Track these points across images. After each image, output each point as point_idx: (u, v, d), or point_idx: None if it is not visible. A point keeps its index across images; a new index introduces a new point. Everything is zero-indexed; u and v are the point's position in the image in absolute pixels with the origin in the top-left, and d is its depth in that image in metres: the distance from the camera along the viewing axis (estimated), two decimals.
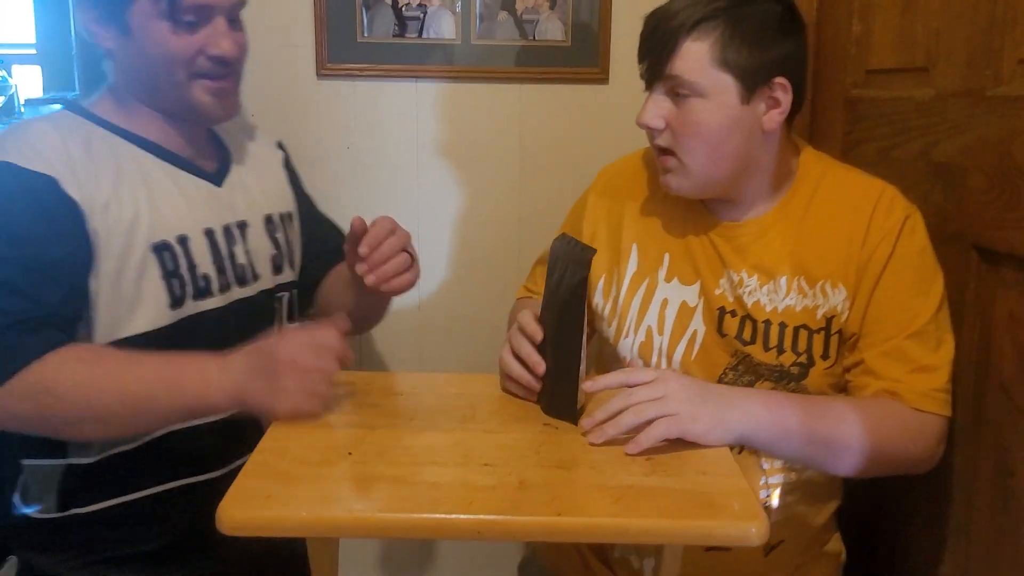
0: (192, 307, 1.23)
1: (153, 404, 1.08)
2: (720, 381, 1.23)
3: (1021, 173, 1.06)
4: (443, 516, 0.84)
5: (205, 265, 1.25)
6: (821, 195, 1.21)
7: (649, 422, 1.00)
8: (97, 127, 1.23)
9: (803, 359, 1.18)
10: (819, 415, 1.09)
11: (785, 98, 1.14)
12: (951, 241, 1.20)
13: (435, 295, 1.88)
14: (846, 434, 1.08)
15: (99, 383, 1.06)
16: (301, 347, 1.06)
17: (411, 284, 1.25)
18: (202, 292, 1.25)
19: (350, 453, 0.96)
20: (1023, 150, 1.06)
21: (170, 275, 1.21)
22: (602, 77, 1.79)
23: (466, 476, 0.91)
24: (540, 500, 0.86)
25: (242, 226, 1.33)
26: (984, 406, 1.15)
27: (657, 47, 1.13)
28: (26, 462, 1.24)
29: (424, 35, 1.76)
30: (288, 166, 1.52)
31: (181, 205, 1.24)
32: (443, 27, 1.76)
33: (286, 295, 1.42)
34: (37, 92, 5.01)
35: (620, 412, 1.01)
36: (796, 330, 1.18)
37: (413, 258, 1.26)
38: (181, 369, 1.09)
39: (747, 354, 1.21)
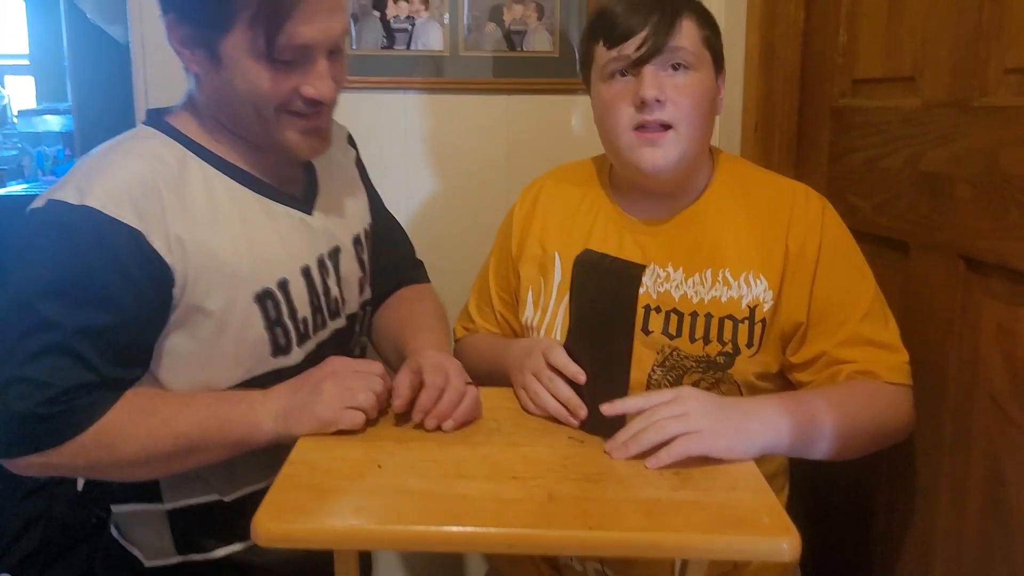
0: (298, 353, 1.18)
1: (206, 442, 1.05)
2: (648, 380, 1.25)
3: (1008, 183, 1.06)
4: (476, 529, 0.84)
5: (304, 308, 1.18)
6: (740, 191, 1.27)
7: (671, 439, 0.99)
8: (189, 152, 1.13)
9: (728, 348, 1.22)
10: (819, 409, 1.10)
11: (723, 81, 1.27)
12: (938, 251, 1.20)
13: None
14: (842, 421, 1.10)
15: (154, 432, 1.03)
16: (344, 364, 1.09)
17: (474, 411, 1.11)
18: (303, 337, 1.18)
19: (379, 466, 0.96)
20: (1010, 160, 1.06)
21: (273, 324, 1.14)
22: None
23: (496, 489, 0.91)
24: (570, 513, 0.86)
25: (335, 254, 1.25)
26: (973, 416, 1.15)
27: (659, 23, 1.17)
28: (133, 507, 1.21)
29: (412, 47, 1.76)
30: (359, 164, 1.43)
31: (278, 244, 1.16)
32: (431, 39, 1.76)
33: (363, 315, 1.36)
34: (30, 103, 5.02)
35: (641, 431, 1.00)
36: (721, 320, 1.22)
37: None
38: (231, 404, 1.07)
39: (674, 348, 1.24)
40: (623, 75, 1.20)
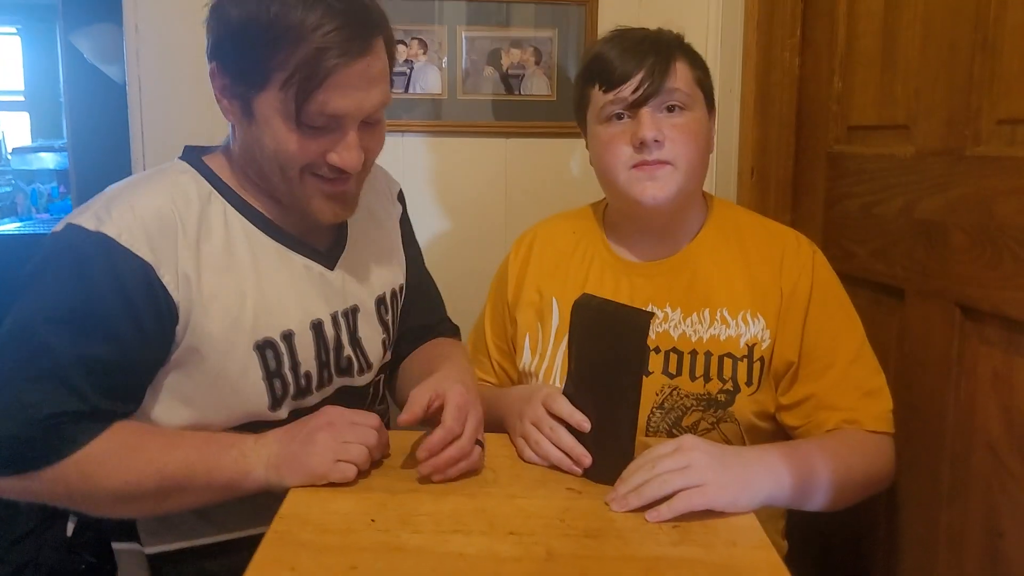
0: (291, 404, 1.16)
1: (192, 484, 1.03)
2: (648, 422, 1.25)
3: (1002, 232, 1.07)
4: None
5: (308, 362, 1.16)
6: (734, 234, 1.31)
7: (673, 493, 0.98)
8: (216, 192, 1.13)
9: (729, 386, 1.24)
10: (816, 459, 1.10)
11: (715, 119, 1.30)
12: (934, 298, 1.21)
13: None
14: (837, 472, 1.11)
15: (138, 468, 1.01)
16: (340, 414, 1.06)
17: (472, 469, 1.08)
18: (302, 392, 1.16)
19: (373, 520, 0.94)
20: (1004, 210, 1.07)
21: (272, 375, 1.13)
22: None
23: (492, 546, 0.89)
24: (569, 573, 0.85)
25: (353, 312, 1.23)
26: (971, 466, 1.15)
27: (654, 66, 1.20)
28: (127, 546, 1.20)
29: (411, 90, 1.78)
30: (404, 221, 1.42)
31: (290, 295, 1.15)
32: (430, 82, 1.78)
33: (382, 378, 1.34)
34: (25, 139, 5.03)
35: (643, 484, 0.99)
36: (721, 358, 1.24)
37: (481, 444, 1.10)
38: (221, 447, 1.04)
39: (674, 387, 1.25)
40: (620, 117, 1.23)
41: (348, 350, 1.22)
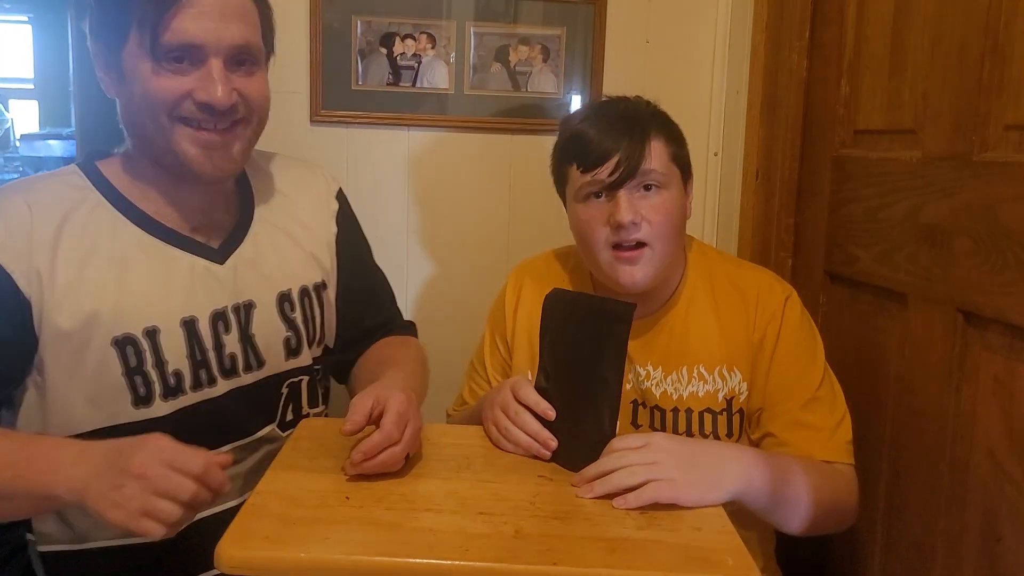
0: (163, 406, 1.13)
1: (6, 491, 0.98)
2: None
3: (1008, 238, 1.07)
4: (441, 562, 0.85)
5: (178, 360, 1.13)
6: (709, 288, 1.32)
7: (641, 484, 1.00)
8: (96, 193, 1.14)
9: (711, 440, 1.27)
10: (787, 471, 1.12)
11: (691, 188, 1.31)
12: (937, 303, 1.21)
13: (421, 340, 1.87)
14: (806, 487, 1.13)
15: None
16: (158, 463, 0.92)
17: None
18: (172, 391, 1.13)
19: (347, 498, 0.97)
20: (1009, 216, 1.07)
21: (132, 372, 1.10)
22: None
23: (462, 524, 0.92)
24: (536, 550, 0.87)
25: (246, 308, 1.20)
26: (970, 471, 1.14)
27: (630, 148, 1.21)
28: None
29: (418, 84, 1.78)
30: (342, 220, 1.37)
31: (157, 291, 1.13)
32: (437, 77, 1.78)
33: (303, 379, 1.29)
34: (34, 127, 5.04)
35: (611, 472, 1.01)
36: (701, 414, 1.28)
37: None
38: (36, 456, 0.99)
39: None
40: (597, 196, 1.24)
41: (234, 348, 1.19)
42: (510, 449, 1.14)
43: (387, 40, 1.76)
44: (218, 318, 1.17)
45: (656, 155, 1.22)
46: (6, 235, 1.06)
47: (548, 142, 1.82)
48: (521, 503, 0.98)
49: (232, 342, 1.19)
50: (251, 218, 1.24)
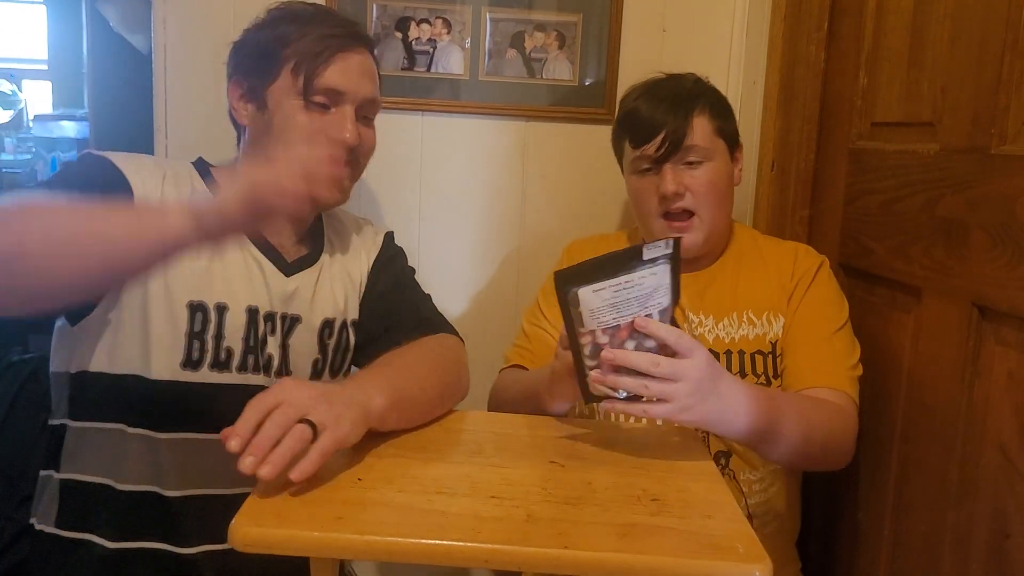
0: (208, 375, 1.23)
1: (107, 232, 0.90)
2: None
3: None
4: (453, 543, 0.85)
5: (233, 340, 1.25)
6: (754, 250, 1.47)
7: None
8: (204, 185, 1.30)
9: (762, 380, 1.37)
10: (779, 406, 1.18)
11: (741, 156, 1.46)
12: (951, 297, 1.20)
13: None
14: (800, 428, 1.19)
15: (71, 211, 0.93)
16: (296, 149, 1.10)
17: (315, 467, 0.92)
18: (220, 365, 1.24)
19: (360, 479, 0.97)
20: None
21: (195, 335, 1.22)
22: (608, 117, 1.79)
23: (474, 507, 0.92)
24: (547, 533, 0.87)
25: (292, 320, 1.31)
26: (980, 466, 1.14)
27: (674, 125, 1.35)
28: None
29: (433, 69, 1.77)
30: (380, 258, 1.44)
31: (236, 277, 1.26)
32: (452, 62, 1.77)
33: None
34: (47, 108, 5.05)
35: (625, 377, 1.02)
36: (753, 356, 1.38)
37: (315, 428, 0.94)
38: (144, 208, 1.06)
39: None
40: (648, 170, 1.39)
41: (273, 350, 1.29)
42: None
43: (402, 24, 1.75)
44: (269, 319, 1.29)
45: (699, 131, 1.36)
46: (148, 177, 1.22)
47: (563, 129, 1.83)
48: (533, 487, 0.98)
49: (273, 344, 1.29)
50: (322, 251, 1.38)
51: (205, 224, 0.90)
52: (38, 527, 1.26)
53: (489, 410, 1.45)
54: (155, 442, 1.22)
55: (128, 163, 1.22)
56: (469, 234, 1.86)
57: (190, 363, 1.21)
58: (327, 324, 1.35)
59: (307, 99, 1.25)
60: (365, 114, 1.33)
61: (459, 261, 1.86)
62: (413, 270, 1.50)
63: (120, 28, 2.70)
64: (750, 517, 1.36)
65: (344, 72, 1.27)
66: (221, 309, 1.24)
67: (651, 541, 0.88)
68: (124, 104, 2.91)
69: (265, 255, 1.30)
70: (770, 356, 1.38)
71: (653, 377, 1.01)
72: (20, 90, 5.03)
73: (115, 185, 1.19)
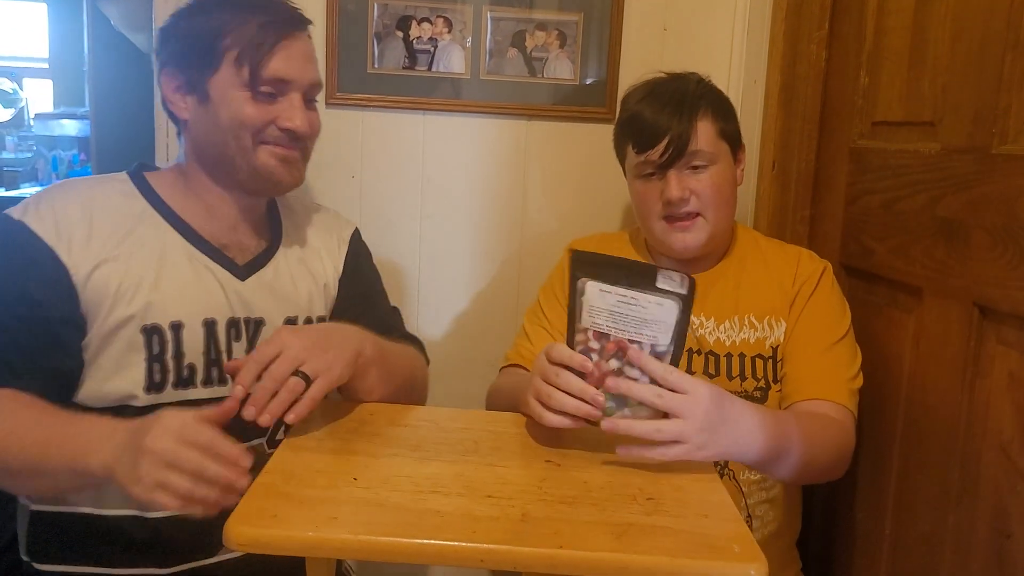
0: (173, 395, 1.22)
1: (44, 465, 1.04)
2: None
3: None
4: (448, 543, 0.85)
5: (194, 355, 1.23)
6: (756, 253, 1.46)
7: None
8: (143, 200, 1.27)
9: (762, 384, 1.37)
10: (788, 432, 1.16)
11: (743, 156, 1.44)
12: (952, 297, 1.20)
13: (433, 327, 1.87)
14: (806, 448, 1.19)
15: (6, 437, 1.06)
16: (168, 437, 0.96)
17: (307, 411, 1.05)
18: (184, 382, 1.23)
19: (355, 479, 0.97)
20: None
21: (154, 359, 1.20)
22: (609, 116, 1.80)
23: (469, 506, 0.92)
24: (542, 533, 0.88)
25: (256, 324, 1.30)
26: (981, 466, 1.14)
27: (677, 131, 1.33)
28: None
29: (434, 68, 1.77)
30: (348, 260, 1.45)
31: (187, 291, 1.24)
32: (453, 61, 1.77)
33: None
34: (48, 106, 5.05)
35: (639, 422, 1.01)
36: (753, 359, 1.38)
37: (308, 380, 1.06)
38: (76, 433, 1.05)
39: None
40: (651, 175, 1.37)
41: (240, 355, 1.26)
42: (556, 422, 1.05)
43: (403, 23, 1.75)
44: (232, 326, 1.28)
45: (703, 134, 1.34)
46: (65, 225, 1.18)
47: (564, 128, 1.83)
48: (528, 487, 0.98)
49: (239, 350, 1.28)
50: (277, 247, 1.37)
51: (114, 482, 0.99)
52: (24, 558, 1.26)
53: (486, 409, 1.46)
54: None
55: (47, 220, 1.17)
56: (470, 233, 1.86)
57: (153, 386, 1.21)
58: (291, 322, 1.34)
59: (254, 90, 1.23)
60: (310, 97, 1.31)
61: (460, 260, 1.86)
62: (378, 275, 1.52)
63: (121, 27, 2.70)
64: (750, 518, 1.37)
65: (288, 60, 1.25)
66: (176, 327, 1.22)
67: (647, 541, 0.88)
68: (125, 102, 2.92)
69: (217, 262, 1.28)
70: (770, 361, 1.37)
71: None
72: (21, 88, 5.04)
73: (40, 262, 1.16)
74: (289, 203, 1.45)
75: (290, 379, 1.05)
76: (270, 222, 1.39)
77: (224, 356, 1.26)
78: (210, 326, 1.25)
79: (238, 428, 1.19)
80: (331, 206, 1.78)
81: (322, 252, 1.42)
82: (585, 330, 1.04)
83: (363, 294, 1.46)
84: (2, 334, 1.14)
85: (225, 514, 0.88)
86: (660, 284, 1.02)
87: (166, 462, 0.95)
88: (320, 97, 1.74)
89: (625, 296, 1.02)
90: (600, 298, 1.02)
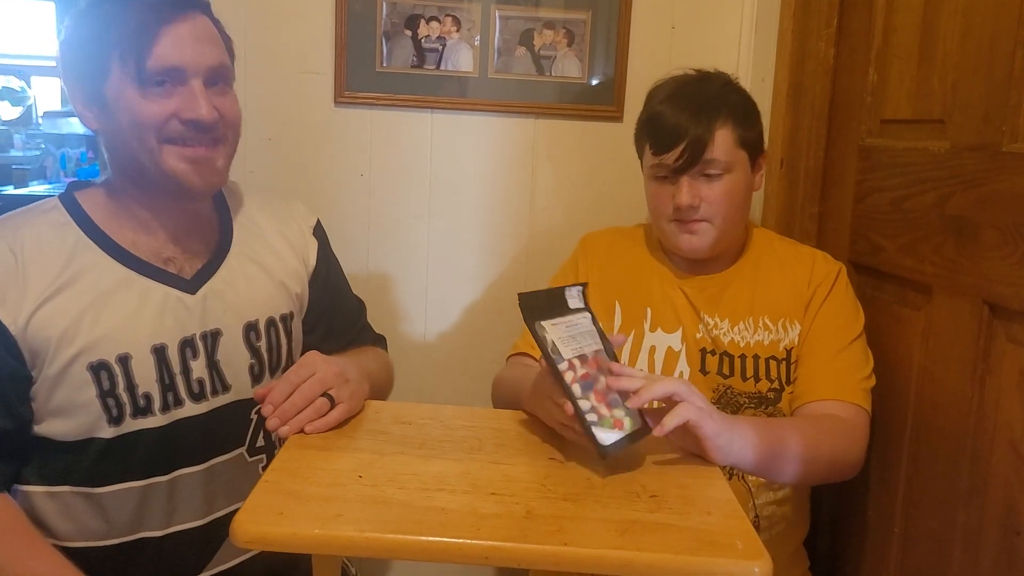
0: (133, 424, 1.19)
1: None
2: None
3: None
4: (453, 540, 0.86)
5: (148, 384, 1.19)
6: (771, 255, 1.46)
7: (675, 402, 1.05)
8: (76, 229, 1.20)
9: (776, 385, 1.37)
10: (786, 435, 1.19)
11: (763, 161, 1.43)
12: (962, 295, 1.20)
13: (441, 324, 1.88)
14: (805, 449, 1.20)
15: None
16: None
17: (326, 428, 1.11)
18: (141, 411, 1.19)
19: (360, 476, 0.98)
20: None
21: (106, 394, 1.16)
22: (617, 115, 1.80)
23: (474, 504, 0.93)
24: (546, 530, 0.88)
25: (213, 335, 1.25)
26: (991, 464, 1.14)
27: (695, 138, 1.32)
28: None
29: (442, 67, 1.78)
30: (319, 255, 1.42)
31: (132, 321, 1.18)
32: (461, 60, 1.78)
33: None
34: (55, 105, 5.06)
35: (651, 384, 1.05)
36: (767, 361, 1.38)
37: (333, 403, 1.13)
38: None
39: (728, 386, 1.39)
40: (665, 178, 1.37)
41: (201, 373, 1.24)
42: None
43: (412, 22, 1.76)
44: (186, 345, 1.23)
45: (720, 143, 1.33)
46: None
47: (571, 126, 1.83)
48: (532, 484, 0.99)
49: (199, 367, 1.24)
50: (227, 250, 1.31)
51: None
52: None
53: (492, 397, 1.49)
54: (95, 497, 1.19)
55: None
56: (478, 231, 1.86)
57: (112, 420, 1.17)
58: (251, 327, 1.29)
59: (144, 85, 1.13)
60: (217, 82, 1.20)
61: (468, 257, 1.87)
62: (339, 265, 1.49)
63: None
64: (757, 518, 1.36)
65: (176, 44, 1.14)
66: (124, 360, 1.17)
67: (651, 538, 0.88)
68: None
69: (161, 282, 1.22)
70: (784, 363, 1.37)
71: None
72: (29, 87, 5.05)
73: None
74: (237, 197, 1.38)
75: (317, 400, 1.11)
76: (219, 222, 1.33)
77: (179, 379, 1.22)
78: (160, 352, 1.20)
79: (222, 436, 1.25)
80: (339, 204, 1.79)
81: (282, 248, 1.37)
82: (568, 360, 1.06)
83: (334, 288, 1.46)
84: None
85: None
86: (570, 304, 1.13)
87: None
88: (328, 95, 1.77)
89: (564, 322, 1.10)
90: (555, 331, 1.08)
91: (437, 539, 0.86)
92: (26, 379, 1.14)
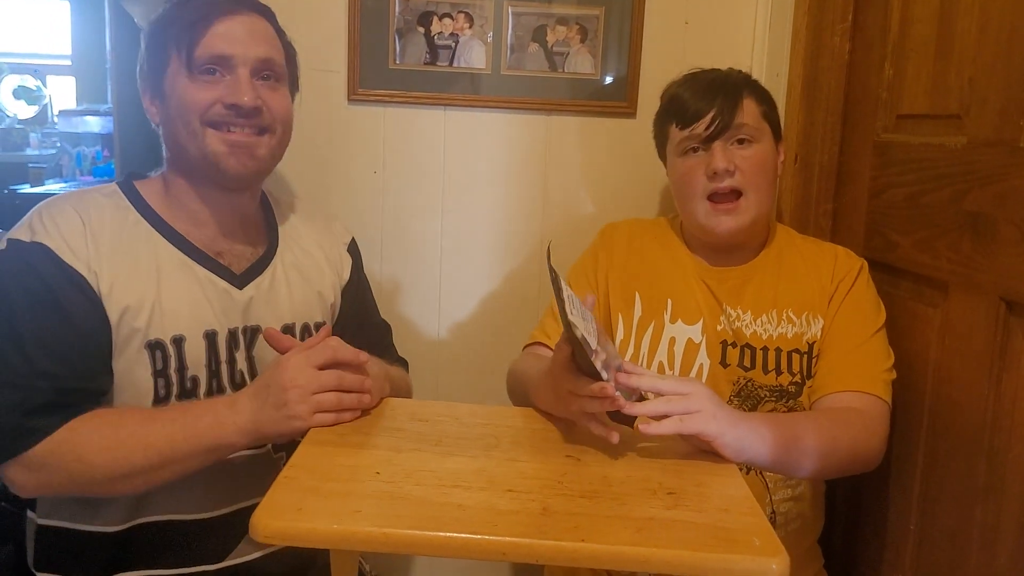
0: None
1: (176, 453, 1.12)
2: None
3: None
4: (470, 536, 0.86)
5: (196, 367, 1.24)
6: (794, 249, 1.46)
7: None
8: (135, 212, 1.26)
9: (797, 378, 1.37)
10: (802, 429, 1.19)
11: (783, 150, 1.45)
12: (979, 292, 1.19)
13: (454, 321, 1.88)
14: (822, 443, 1.19)
15: (125, 443, 1.11)
16: (300, 370, 1.12)
17: (335, 422, 1.15)
18: (187, 393, 1.23)
19: (378, 473, 0.99)
20: None
21: (158, 373, 1.21)
22: (630, 111, 1.80)
23: (491, 500, 0.93)
24: (563, 526, 0.88)
25: (253, 331, 1.30)
26: (1009, 461, 1.13)
27: (724, 104, 1.35)
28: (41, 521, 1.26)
29: (455, 64, 1.77)
30: (354, 272, 1.49)
31: (186, 304, 1.23)
32: (474, 57, 1.77)
33: None
34: (71, 103, 5.08)
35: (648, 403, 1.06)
36: (790, 354, 1.38)
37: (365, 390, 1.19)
38: (197, 416, 1.13)
39: (749, 379, 1.39)
40: (696, 151, 1.38)
41: (242, 365, 1.29)
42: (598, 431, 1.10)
43: (424, 19, 1.76)
44: (231, 336, 1.28)
45: (748, 111, 1.37)
46: (68, 241, 1.17)
47: (585, 123, 1.83)
48: (549, 481, 0.99)
49: (240, 359, 1.29)
50: (274, 254, 1.37)
51: (261, 438, 1.14)
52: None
53: (507, 386, 1.49)
54: None
55: (55, 238, 1.17)
56: (491, 227, 1.86)
57: (159, 400, 1.21)
58: (287, 330, 1.34)
59: (192, 72, 1.21)
60: (267, 76, 1.27)
61: (481, 254, 1.87)
62: (370, 288, 1.55)
63: (144, 24, 2.71)
64: (774, 514, 1.36)
65: (227, 36, 1.22)
66: (178, 341, 1.22)
67: (668, 535, 0.88)
68: None
69: (215, 272, 1.27)
70: (806, 356, 1.37)
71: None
72: (45, 85, 5.07)
73: (74, 282, 1.16)
74: (283, 206, 1.45)
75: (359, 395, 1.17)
76: (266, 227, 1.39)
77: (224, 367, 1.27)
78: (211, 338, 1.25)
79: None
80: (354, 201, 1.80)
81: (321, 260, 1.43)
82: (595, 350, 1.05)
83: (362, 303, 1.51)
84: (63, 365, 1.14)
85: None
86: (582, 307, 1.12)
87: (311, 390, 1.11)
88: (342, 92, 1.77)
89: (570, 298, 1.09)
90: (584, 326, 1.07)
91: (455, 535, 0.86)
92: (111, 343, 1.18)
